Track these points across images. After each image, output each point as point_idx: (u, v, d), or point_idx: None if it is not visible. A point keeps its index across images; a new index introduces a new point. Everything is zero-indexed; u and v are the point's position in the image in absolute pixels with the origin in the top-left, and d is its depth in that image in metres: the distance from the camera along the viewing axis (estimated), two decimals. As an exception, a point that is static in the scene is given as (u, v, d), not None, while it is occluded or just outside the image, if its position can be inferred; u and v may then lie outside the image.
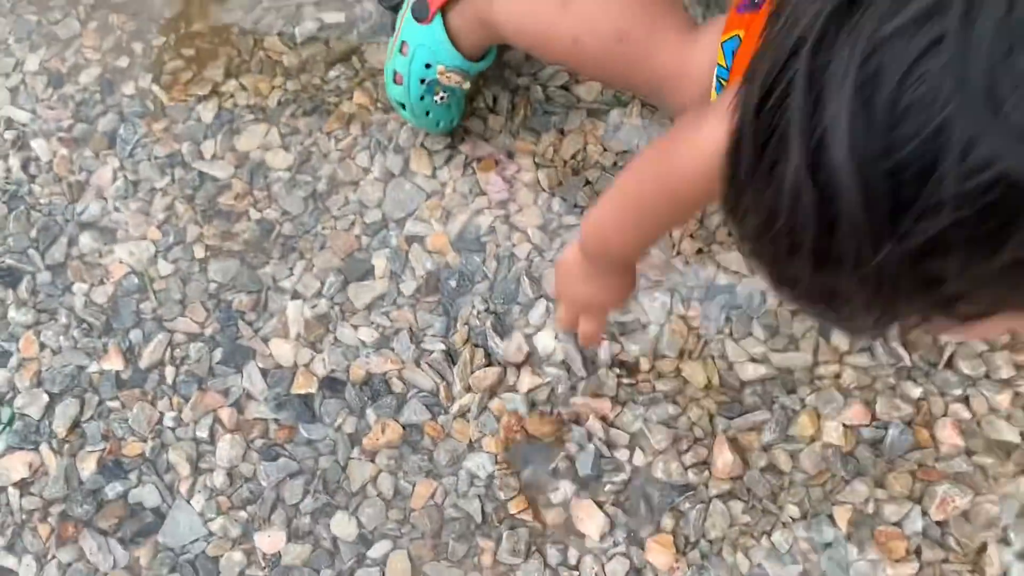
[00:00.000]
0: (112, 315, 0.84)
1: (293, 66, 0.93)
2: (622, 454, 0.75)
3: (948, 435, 0.73)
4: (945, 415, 0.74)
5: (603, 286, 0.67)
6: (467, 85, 0.80)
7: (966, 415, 0.74)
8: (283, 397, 0.79)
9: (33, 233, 0.88)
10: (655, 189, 0.58)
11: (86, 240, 0.87)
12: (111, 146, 0.92)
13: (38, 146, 0.92)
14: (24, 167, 0.91)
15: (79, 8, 1.00)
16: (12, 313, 0.85)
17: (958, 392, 0.74)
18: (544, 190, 0.85)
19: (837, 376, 0.76)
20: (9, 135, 0.93)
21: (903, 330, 0.50)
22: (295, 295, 0.83)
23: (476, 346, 0.79)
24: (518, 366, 0.78)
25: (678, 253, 0.81)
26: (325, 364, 0.80)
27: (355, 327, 0.81)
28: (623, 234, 0.63)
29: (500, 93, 0.90)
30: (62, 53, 0.97)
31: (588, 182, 0.85)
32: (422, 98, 0.80)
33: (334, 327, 0.82)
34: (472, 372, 0.78)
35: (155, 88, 0.94)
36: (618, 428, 0.76)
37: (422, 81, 0.79)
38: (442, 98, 0.81)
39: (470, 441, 0.76)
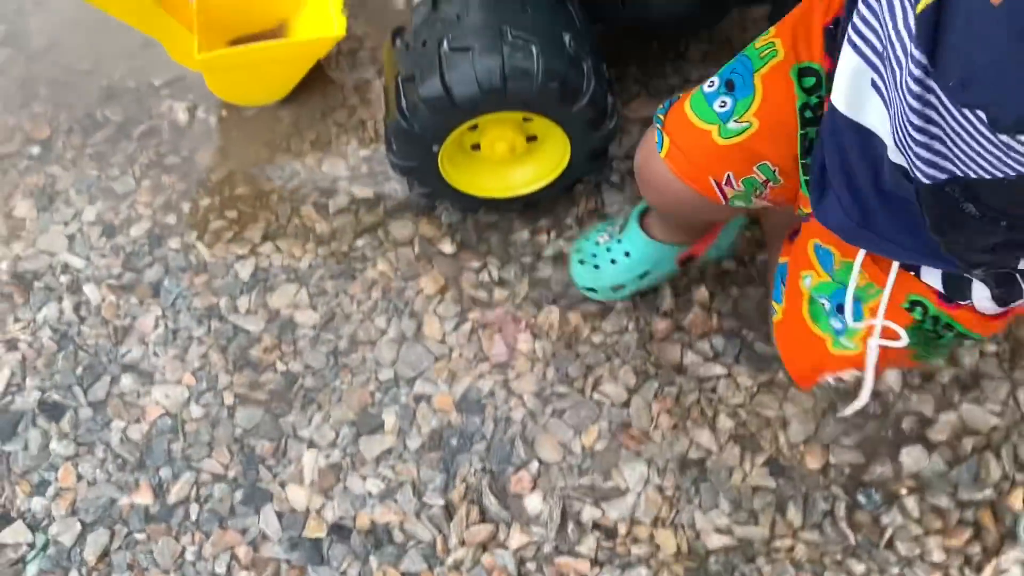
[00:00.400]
0: (145, 452, 0.93)
1: (325, 233, 1.06)
2: (598, 611, 0.84)
3: (887, 610, 0.83)
4: (885, 591, 0.84)
5: None
6: None
7: (904, 592, 0.83)
8: (296, 539, 0.88)
9: (79, 371, 0.98)
10: None
11: (127, 381, 0.97)
12: (155, 295, 1.03)
13: (89, 291, 1.03)
14: (75, 309, 1.02)
15: (135, 167, 1.12)
16: (54, 444, 0.94)
17: (896, 571, 0.84)
18: (539, 359, 0.97)
19: (791, 550, 0.85)
20: (64, 279, 1.04)
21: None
22: (312, 444, 0.93)
23: (472, 503, 0.89)
24: (508, 524, 0.88)
25: (656, 427, 0.92)
26: (335, 511, 0.89)
27: (364, 478, 0.91)
28: None
29: (508, 267, 1.02)
30: (117, 206, 1.09)
31: (578, 356, 0.96)
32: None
33: (345, 476, 0.91)
34: (467, 527, 0.87)
35: (199, 244, 1.06)
36: (595, 586, 0.85)
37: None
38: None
39: (462, 591, 0.85)
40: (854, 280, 0.63)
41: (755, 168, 0.69)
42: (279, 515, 0.89)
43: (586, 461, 0.91)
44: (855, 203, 0.58)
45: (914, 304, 0.62)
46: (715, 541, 0.86)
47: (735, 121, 0.68)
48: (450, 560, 0.86)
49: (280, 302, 1.01)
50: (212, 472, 0.92)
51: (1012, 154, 0.42)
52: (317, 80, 1.16)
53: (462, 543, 0.87)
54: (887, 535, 0.85)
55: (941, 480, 0.88)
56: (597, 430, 0.92)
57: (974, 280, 0.58)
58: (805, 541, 0.86)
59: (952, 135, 0.45)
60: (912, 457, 0.89)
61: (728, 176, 0.70)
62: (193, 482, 0.91)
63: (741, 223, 0.98)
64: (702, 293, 0.99)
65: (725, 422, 0.92)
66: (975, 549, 0.85)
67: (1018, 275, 0.57)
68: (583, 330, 0.98)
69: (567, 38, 0.88)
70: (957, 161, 0.46)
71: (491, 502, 0.88)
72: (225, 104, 1.15)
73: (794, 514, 0.87)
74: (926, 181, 0.48)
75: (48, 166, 1.13)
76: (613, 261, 0.94)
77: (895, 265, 0.61)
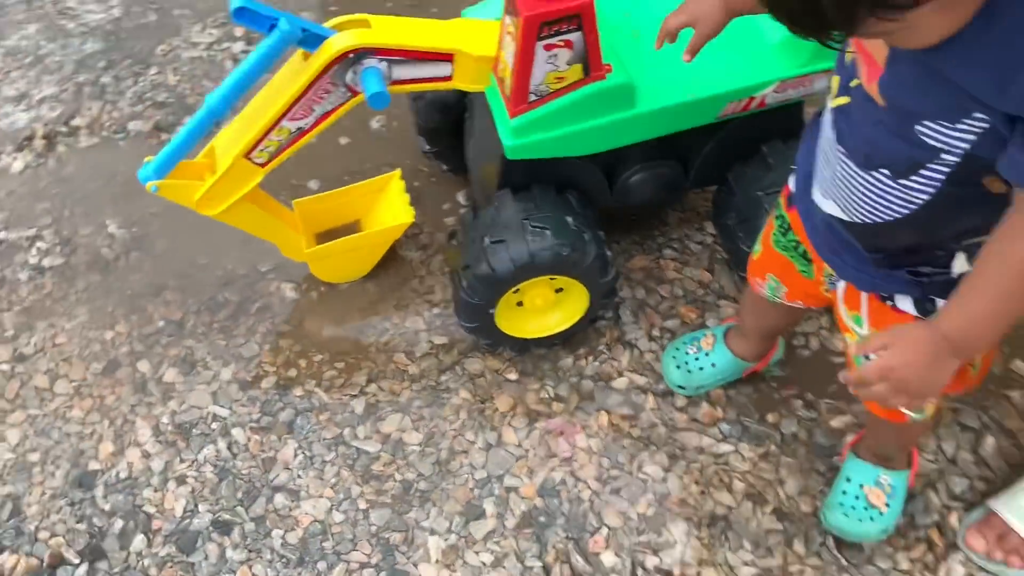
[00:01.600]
0: (304, 552, 1.21)
1: (415, 373, 1.38)
2: (668, 632, 1.13)
3: (876, 608, 1.14)
4: (872, 595, 1.15)
5: (948, 371, 0.76)
6: None
7: (885, 594, 1.15)
8: (433, 604, 1.15)
9: (239, 495, 1.26)
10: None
11: (279, 499, 1.26)
12: (290, 432, 1.32)
13: (237, 433, 1.32)
14: (228, 448, 1.31)
15: (256, 335, 1.44)
16: (229, 553, 1.21)
17: (878, 578, 1.16)
18: (595, 452, 1.28)
19: (801, 573, 1.17)
20: (216, 425, 1.33)
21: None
22: (433, 531, 1.22)
23: (563, 562, 1.18)
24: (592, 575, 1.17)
25: (689, 494, 1.24)
26: (460, 579, 1.17)
27: (476, 552, 1.20)
28: (998, 324, 0.74)
29: (561, 386, 1.35)
30: (247, 366, 1.40)
31: (623, 447, 1.29)
32: None
33: (462, 553, 1.20)
34: (563, 581, 1.16)
35: (318, 390, 1.37)
36: (663, 614, 1.14)
37: None
38: None
39: (565, 629, 1.13)
40: (864, 327, 0.95)
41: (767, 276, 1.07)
42: (417, 587, 1.17)
43: (642, 524, 1.21)
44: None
45: None
46: (745, 572, 1.17)
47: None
48: (555, 605, 1.14)
49: (390, 428, 1.32)
50: (359, 561, 1.19)
51: (908, 193, 0.76)
52: (392, 258, 1.51)
53: (562, 592, 1.16)
54: (867, 554, 1.18)
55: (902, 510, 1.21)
56: (646, 500, 1.23)
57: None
58: (810, 566, 1.17)
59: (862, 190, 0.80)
60: (876, 497, 1.23)
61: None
62: (345, 571, 1.19)
63: (783, 347, 1.35)
64: (715, 392, 1.34)
65: (738, 485, 1.25)
66: (929, 558, 1.18)
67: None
68: (623, 427, 1.31)
69: (570, 220, 1.24)
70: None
71: (577, 560, 1.18)
72: (323, 282, 1.49)
73: (799, 547, 1.19)
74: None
75: (185, 340, 1.43)
76: (702, 368, 1.29)
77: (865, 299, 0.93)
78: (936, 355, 0.76)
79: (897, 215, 0.79)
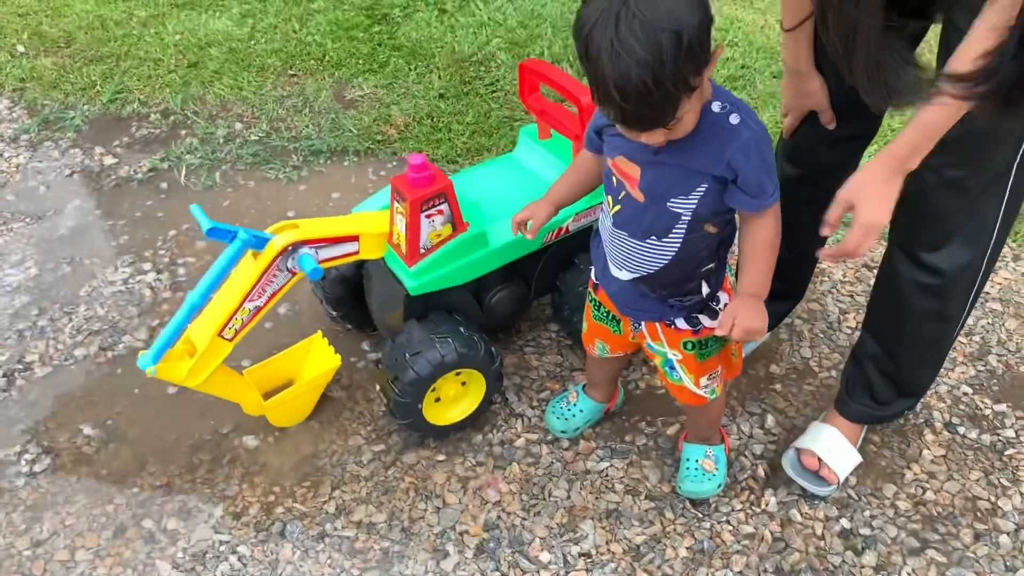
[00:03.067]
0: (321, 615, 1.57)
1: (367, 475, 1.80)
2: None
3: None
4: None
5: (761, 309, 1.35)
6: None
7: None
8: (430, 621, 1.55)
9: (257, 592, 1.61)
10: None
11: (290, 585, 1.61)
12: (284, 537, 1.69)
13: (242, 549, 1.68)
14: (240, 560, 1.66)
15: (233, 479, 1.81)
16: (263, 633, 1.55)
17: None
18: (515, 492, 1.75)
19: (675, 529, 1.67)
20: (223, 548, 1.68)
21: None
22: (414, 575, 1.62)
23: (514, 567, 1.62)
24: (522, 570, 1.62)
25: (585, 503, 1.73)
26: (445, 599, 1.58)
27: (451, 580, 1.61)
28: (769, 274, 1.35)
29: (478, 455, 1.82)
30: (233, 503, 1.76)
31: (534, 483, 1.76)
32: None
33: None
34: (518, 577, 1.60)
35: (296, 504, 1.75)
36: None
37: None
38: None
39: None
40: (665, 346, 1.53)
41: (595, 341, 1.63)
42: (415, 614, 1.56)
43: (561, 529, 1.68)
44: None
45: (684, 343, 1.50)
46: (638, 539, 1.66)
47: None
48: (517, 594, 1.57)
49: (359, 516, 1.72)
50: (366, 609, 1.57)
51: (667, 246, 1.35)
52: (325, 401, 1.95)
53: (519, 585, 1.59)
54: (713, 506, 1.71)
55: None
56: (560, 513, 1.71)
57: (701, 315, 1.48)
58: (679, 524, 1.69)
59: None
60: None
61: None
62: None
63: (622, 391, 1.90)
64: (587, 432, 1.86)
65: (618, 487, 1.75)
66: (752, 498, 1.72)
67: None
68: (530, 471, 1.79)
69: (462, 329, 1.77)
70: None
71: (524, 562, 1.62)
72: (276, 428, 1.90)
73: (669, 514, 1.70)
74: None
75: (176, 497, 1.78)
76: (574, 415, 1.81)
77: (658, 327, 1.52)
78: (756, 305, 1.34)
79: (664, 262, 1.39)
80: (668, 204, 1.31)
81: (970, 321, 2.12)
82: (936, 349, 1.64)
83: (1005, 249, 2.33)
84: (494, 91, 2.95)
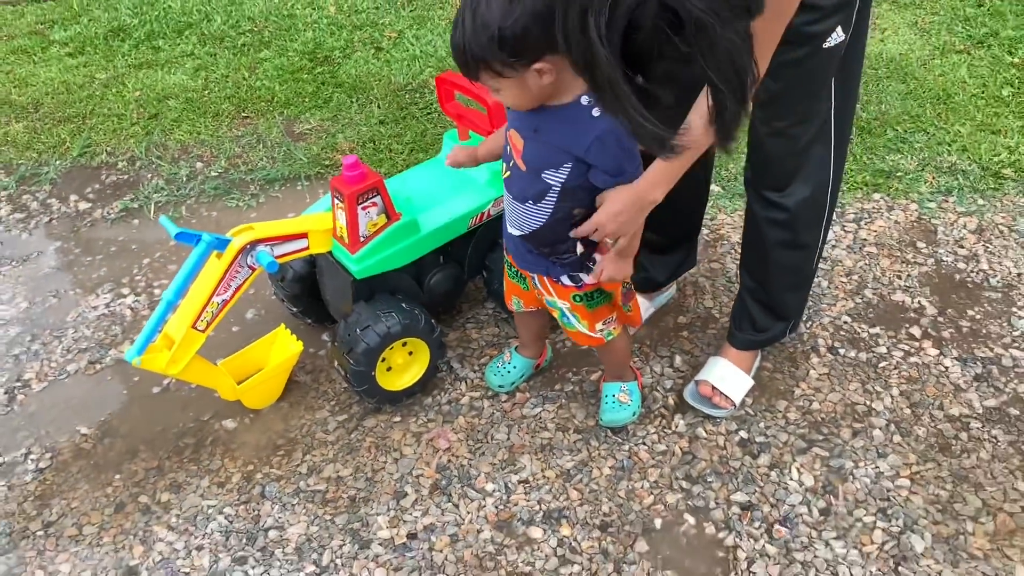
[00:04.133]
0: (300, 555, 1.82)
1: (333, 440, 2.07)
2: None
3: None
4: None
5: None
6: None
7: None
8: None
9: (243, 540, 1.86)
10: None
11: (272, 534, 1.87)
12: (264, 496, 1.95)
13: (227, 510, 1.93)
14: (226, 519, 1.91)
15: (216, 456, 2.07)
16: (250, 572, 1.80)
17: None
18: (463, 440, 2.02)
19: (599, 454, 1.95)
20: (211, 511, 1.93)
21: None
22: (378, 514, 1.88)
23: (463, 497, 1.88)
24: (466, 498, 1.88)
25: (531, 432, 2.00)
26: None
27: (410, 515, 1.87)
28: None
29: (428, 413, 2.09)
30: (217, 475, 2.02)
31: (476, 429, 2.04)
32: None
33: (401, 517, 1.87)
34: (426, 507, 1.86)
35: (273, 470, 2.01)
36: None
37: None
38: None
39: None
40: (555, 297, 1.82)
41: (512, 298, 1.92)
42: None
43: (503, 464, 1.95)
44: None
45: (573, 296, 1.78)
46: (568, 465, 1.94)
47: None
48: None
49: (328, 473, 1.98)
50: (337, 545, 1.83)
51: (543, 210, 1.63)
52: (292, 384, 2.22)
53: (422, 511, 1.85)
54: (630, 432, 1.99)
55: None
56: (501, 452, 1.98)
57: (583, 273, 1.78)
58: (603, 449, 1.96)
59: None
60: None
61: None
62: (332, 553, 1.81)
63: (551, 349, 2.18)
64: (522, 385, 2.14)
65: (550, 425, 2.03)
66: (664, 423, 2.01)
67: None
68: (475, 422, 2.06)
69: (404, 305, 2.05)
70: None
71: (471, 492, 1.89)
72: (251, 411, 2.16)
73: (594, 443, 1.98)
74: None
75: (166, 476, 2.03)
76: (509, 372, 2.09)
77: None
78: (620, 260, 1.63)
79: (540, 223, 1.66)
80: (543, 175, 1.59)
81: (848, 262, 2.44)
82: (798, 274, 1.94)
83: (880, 200, 2.66)
84: (428, 113, 3.27)
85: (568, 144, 1.52)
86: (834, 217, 2.54)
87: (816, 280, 2.39)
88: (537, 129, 1.56)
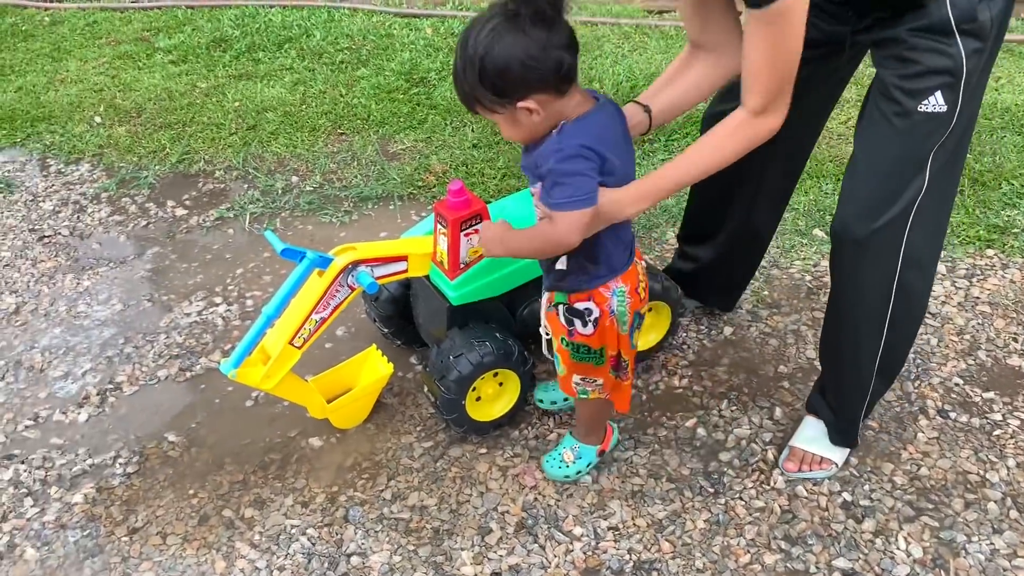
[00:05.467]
0: (382, 583, 1.79)
1: (418, 467, 2.03)
2: None
3: None
4: None
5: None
6: None
7: None
8: (477, 585, 1.76)
9: (325, 566, 1.83)
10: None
11: (354, 560, 1.84)
12: (347, 521, 1.92)
13: (311, 532, 1.90)
14: (309, 541, 1.89)
15: (301, 474, 2.05)
16: (331, 598, 1.77)
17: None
18: (549, 479, 1.97)
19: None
20: (294, 531, 1.91)
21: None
22: (462, 548, 1.84)
23: (550, 539, 1.83)
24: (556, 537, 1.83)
25: (611, 486, 1.94)
26: (490, 567, 1.79)
27: (495, 552, 1.82)
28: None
29: (516, 447, 2.05)
30: (302, 494, 2.00)
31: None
32: None
33: (485, 554, 1.82)
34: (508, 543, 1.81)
35: (356, 493, 1.98)
36: None
37: None
38: None
39: None
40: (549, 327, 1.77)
41: None
42: (464, 579, 1.77)
43: (591, 508, 1.89)
44: None
45: (562, 338, 1.73)
46: (660, 515, 1.87)
47: None
48: (554, 560, 1.78)
49: (413, 501, 1.95)
50: (421, 577, 1.79)
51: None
52: (380, 406, 2.20)
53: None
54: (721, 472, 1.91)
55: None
56: (590, 496, 1.92)
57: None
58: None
59: None
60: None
61: None
62: (413, 585, 1.78)
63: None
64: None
65: (641, 471, 1.97)
66: (763, 478, 1.92)
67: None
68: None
69: (498, 335, 2.02)
70: None
71: (558, 535, 1.83)
72: (338, 430, 2.15)
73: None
74: None
75: (251, 491, 2.02)
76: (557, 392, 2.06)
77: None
78: (496, 231, 1.65)
79: None
80: (531, 188, 1.60)
81: (960, 321, 2.32)
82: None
83: (994, 257, 2.54)
84: (523, 139, 3.25)
85: (535, 168, 1.53)
86: (940, 270, 2.44)
87: (925, 338, 2.28)
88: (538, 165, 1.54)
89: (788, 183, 2.04)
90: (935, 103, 1.45)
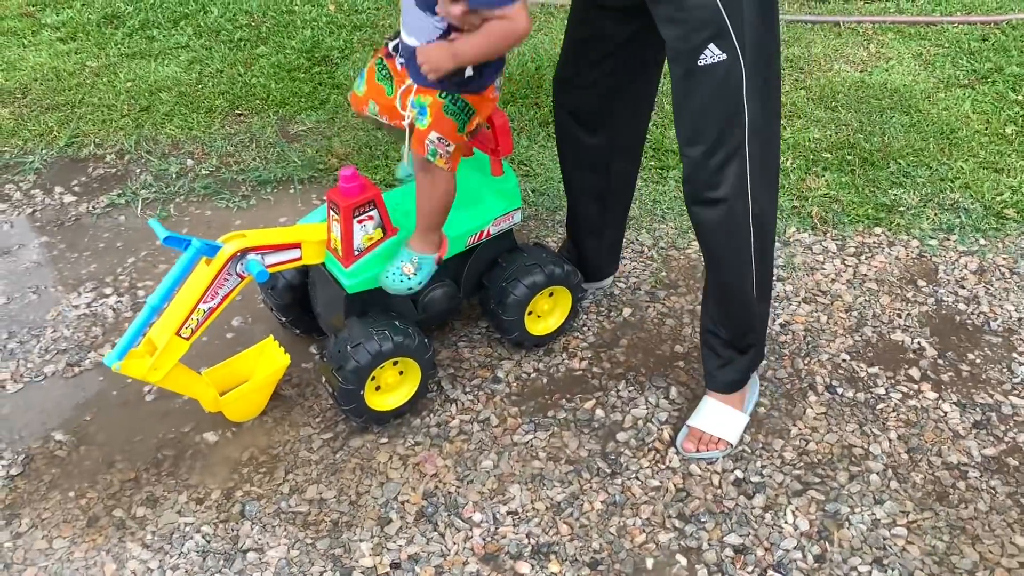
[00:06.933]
0: (279, 578, 1.76)
1: (317, 459, 2.00)
2: None
3: None
4: None
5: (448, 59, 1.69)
6: None
7: None
8: None
9: (220, 563, 1.79)
10: None
11: (251, 555, 1.80)
12: (243, 516, 1.88)
13: (206, 529, 1.86)
14: (204, 538, 1.84)
15: (195, 470, 2.00)
16: (226, 596, 1.73)
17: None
18: (450, 466, 1.97)
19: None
20: (188, 529, 1.86)
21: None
22: (361, 540, 1.82)
23: (450, 527, 1.83)
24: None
25: (508, 442, 1.95)
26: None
27: (394, 542, 1.81)
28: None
29: (416, 435, 2.04)
30: (196, 491, 1.95)
31: (467, 458, 1.98)
32: None
33: (384, 545, 1.81)
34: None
35: (253, 488, 1.95)
36: None
37: None
38: None
39: None
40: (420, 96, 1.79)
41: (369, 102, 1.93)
42: (362, 571, 1.76)
43: (491, 493, 1.90)
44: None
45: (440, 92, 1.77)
46: (558, 498, 1.89)
47: None
48: (453, 547, 1.79)
49: (312, 494, 1.92)
50: (318, 572, 1.77)
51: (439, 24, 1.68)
52: (277, 398, 2.15)
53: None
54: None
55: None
56: (491, 481, 1.93)
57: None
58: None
59: None
60: (621, 437, 2.02)
61: None
62: (311, 579, 1.76)
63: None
64: (513, 410, 2.08)
65: (541, 455, 1.98)
66: (659, 457, 1.96)
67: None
68: (463, 447, 2.01)
69: (398, 323, 1.99)
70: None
71: (458, 522, 1.84)
72: (233, 424, 2.10)
73: (586, 475, 1.93)
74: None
75: (143, 489, 1.96)
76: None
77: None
78: (444, 52, 1.67)
79: (435, 36, 1.70)
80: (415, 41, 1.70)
81: (848, 298, 2.40)
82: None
83: (882, 235, 2.63)
84: (427, 121, 3.21)
85: None
86: (831, 248, 2.52)
87: (816, 315, 2.36)
88: None
89: (640, 133, 2.17)
90: (713, 55, 1.55)
